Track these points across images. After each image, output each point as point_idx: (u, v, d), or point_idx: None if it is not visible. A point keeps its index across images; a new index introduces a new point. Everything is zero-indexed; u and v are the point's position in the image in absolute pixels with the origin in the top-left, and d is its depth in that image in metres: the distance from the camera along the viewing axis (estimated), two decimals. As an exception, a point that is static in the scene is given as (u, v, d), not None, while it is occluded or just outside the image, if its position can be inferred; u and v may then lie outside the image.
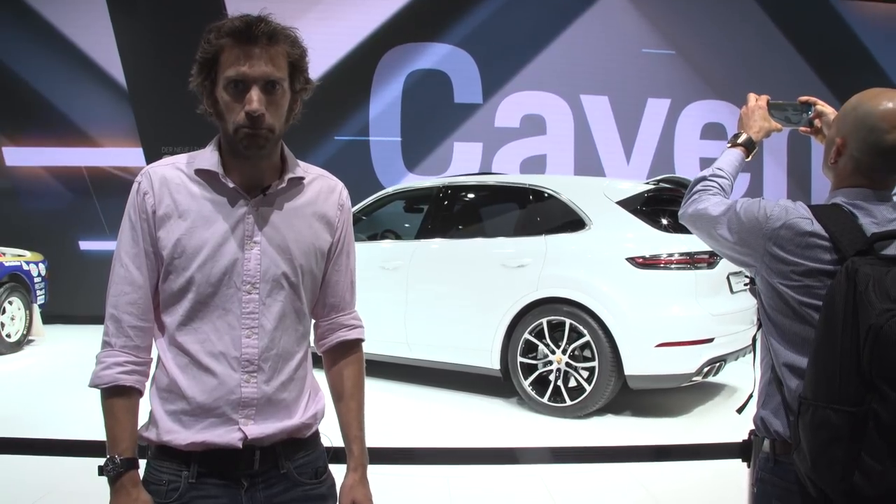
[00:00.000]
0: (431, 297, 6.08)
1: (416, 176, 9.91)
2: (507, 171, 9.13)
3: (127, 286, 1.54)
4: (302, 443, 1.60)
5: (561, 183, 6.04)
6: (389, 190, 7.12)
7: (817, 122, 1.92)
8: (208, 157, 1.54)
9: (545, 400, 5.43)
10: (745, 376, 6.16)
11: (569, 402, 5.35)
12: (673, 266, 5.23)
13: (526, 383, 5.52)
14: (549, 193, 5.85)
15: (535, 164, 10.45)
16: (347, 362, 1.72)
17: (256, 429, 1.51)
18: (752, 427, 1.72)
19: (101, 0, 9.89)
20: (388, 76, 10.40)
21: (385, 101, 10.40)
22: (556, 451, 2.97)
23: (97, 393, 4.25)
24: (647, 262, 5.24)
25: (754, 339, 1.79)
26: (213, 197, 1.53)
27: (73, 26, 10.04)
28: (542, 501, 3.83)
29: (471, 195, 6.61)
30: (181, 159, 1.58)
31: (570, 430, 5.17)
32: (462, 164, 10.19)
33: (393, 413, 5.50)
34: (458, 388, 6.20)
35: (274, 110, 1.47)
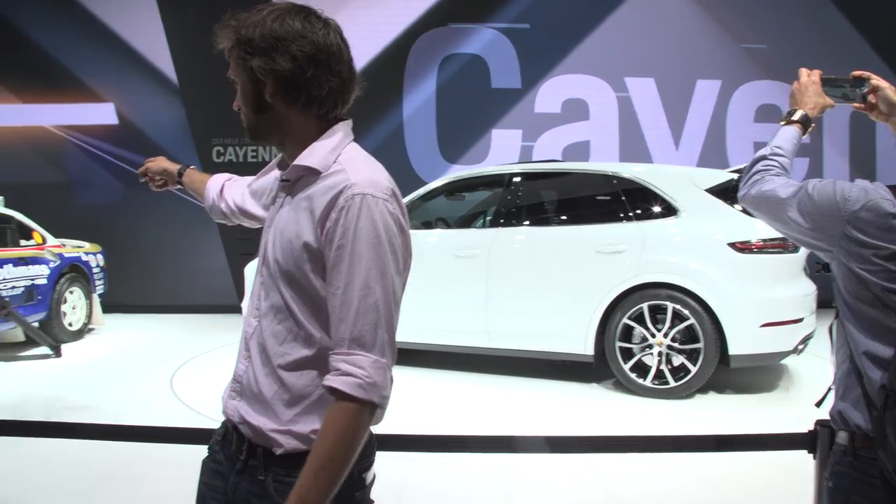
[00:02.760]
0: (517, 285, 6.02)
1: (459, 166, 9.73)
2: (549, 158, 8.99)
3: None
4: (279, 459, 1.43)
5: (648, 171, 6.15)
6: (450, 177, 7.01)
7: (872, 98, 1.81)
8: None
9: (647, 383, 5.56)
10: (805, 363, 6.12)
11: (672, 384, 5.48)
12: (769, 250, 5.47)
13: (626, 367, 5.62)
14: (635, 181, 5.92)
15: (578, 150, 10.13)
16: (327, 412, 1.35)
17: (232, 406, 1.52)
18: (820, 419, 1.66)
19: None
20: (421, 62, 10.16)
21: (419, 89, 10.20)
22: (613, 441, 2.95)
23: (155, 379, 4.40)
24: (748, 247, 5.45)
25: (831, 329, 1.69)
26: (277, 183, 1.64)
27: (124, 24, 10.24)
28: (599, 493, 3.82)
29: (549, 182, 6.63)
30: None
31: (634, 417, 5.21)
32: (501, 152, 9.95)
33: (469, 401, 5.56)
34: (528, 374, 6.21)
35: (239, 101, 1.51)
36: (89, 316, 8.47)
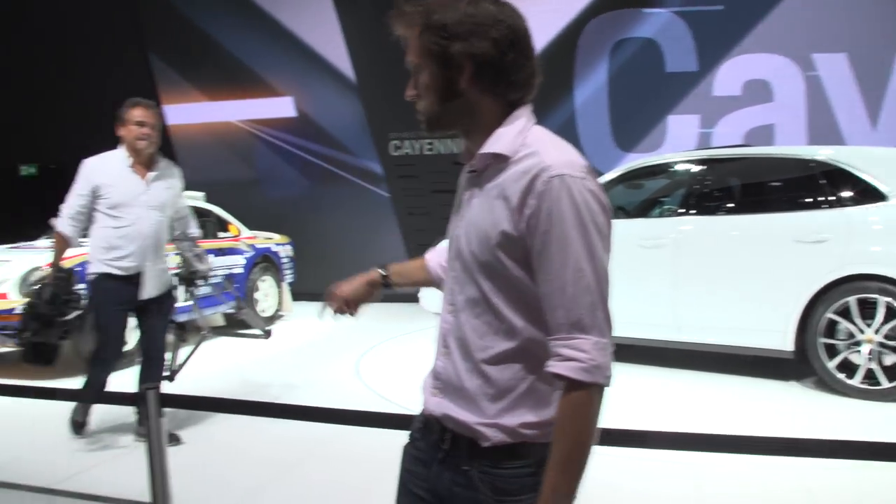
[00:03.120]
0: (708, 276, 5.75)
1: (635, 155, 9.42)
2: (736, 143, 8.57)
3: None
4: (484, 451, 1.43)
5: (849, 153, 5.69)
6: (631, 165, 6.76)
7: None
8: None
9: (855, 382, 5.13)
10: None
11: (887, 385, 5.04)
12: None
13: (831, 365, 5.22)
14: (836, 164, 5.45)
15: (762, 135, 9.43)
16: (559, 402, 1.35)
17: (434, 402, 1.52)
18: None
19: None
20: (592, 49, 9.90)
21: (590, 77, 9.96)
22: (816, 444, 2.69)
23: (341, 364, 4.55)
24: None
25: None
26: (462, 175, 1.59)
27: (301, 25, 10.84)
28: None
29: (739, 168, 6.22)
30: None
31: (838, 419, 4.84)
32: (678, 139, 9.54)
33: (655, 396, 5.42)
34: (719, 370, 5.96)
35: (421, 91, 1.46)
36: (279, 303, 9.08)
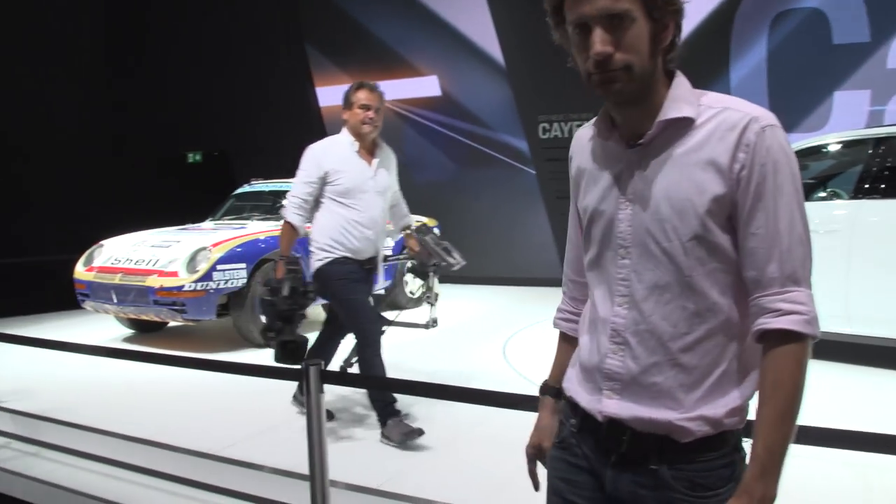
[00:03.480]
0: (888, 265, 5.27)
1: (796, 135, 8.82)
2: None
3: (569, 243, 1.65)
4: (681, 447, 1.34)
5: None
6: (797, 146, 6.18)
7: None
8: (602, 111, 1.44)
9: None
10: None
11: None
12: None
13: None
14: None
15: None
16: (772, 357, 1.28)
17: (615, 406, 1.39)
18: None
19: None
20: (749, 24, 9.27)
21: (748, 53, 9.36)
22: None
23: (489, 346, 4.53)
24: None
25: None
26: (600, 153, 1.45)
27: (450, 9, 10.94)
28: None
29: None
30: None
31: None
32: (844, 117, 8.79)
33: (823, 391, 5.06)
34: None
35: (627, 46, 1.28)
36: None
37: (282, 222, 4.20)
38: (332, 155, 4.14)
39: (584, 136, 1.53)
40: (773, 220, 1.28)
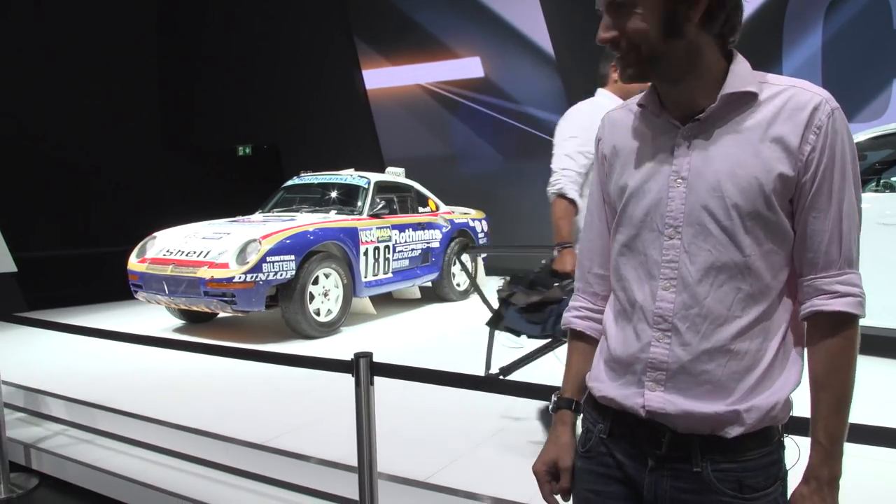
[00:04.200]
0: None
1: (855, 125, 8.54)
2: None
3: (591, 233, 1.55)
4: (727, 445, 1.29)
5: None
6: (870, 132, 6.00)
7: None
8: (648, 90, 1.41)
9: None
10: None
11: None
12: None
13: None
14: None
15: None
16: (826, 341, 1.27)
17: (661, 398, 1.31)
18: None
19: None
20: (803, 11, 9.03)
21: (801, 42, 9.12)
22: None
23: (542, 340, 4.35)
24: None
25: None
26: (646, 131, 1.40)
27: (501, 4, 10.88)
28: None
29: None
30: (636, 98, 1.45)
31: None
32: None
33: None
34: None
35: (631, 30, 1.27)
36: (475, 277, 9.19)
37: (553, 202, 3.41)
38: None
39: (619, 118, 1.49)
40: (838, 203, 1.27)
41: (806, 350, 1.34)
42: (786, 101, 1.28)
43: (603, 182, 1.50)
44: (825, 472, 1.27)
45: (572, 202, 3.31)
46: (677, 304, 1.31)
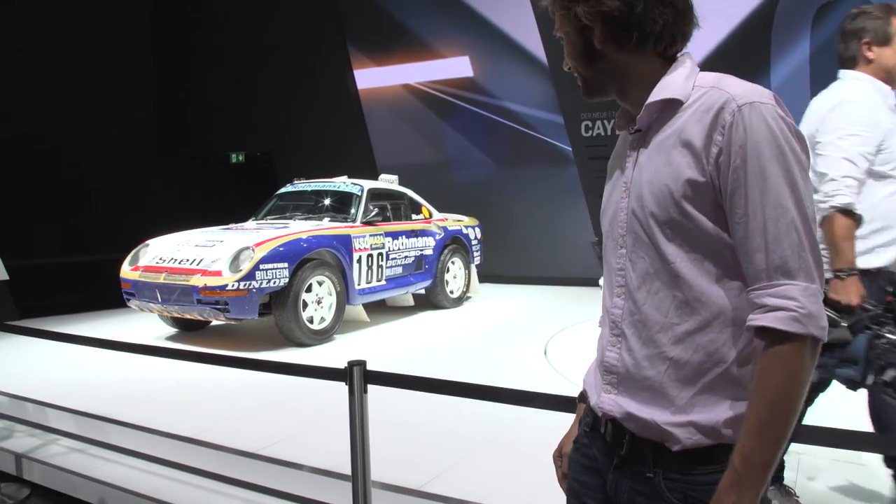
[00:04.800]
0: None
1: None
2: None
3: None
4: (675, 457, 1.28)
5: None
6: None
7: None
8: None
9: None
10: None
11: None
12: None
13: None
14: None
15: None
16: (761, 358, 1.20)
17: (610, 402, 1.36)
18: None
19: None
20: (790, 18, 8.91)
21: (789, 51, 9.01)
22: None
23: (529, 346, 4.41)
24: None
25: None
26: (620, 145, 1.46)
27: (492, 8, 10.95)
28: None
29: None
30: None
31: None
32: None
33: None
34: None
35: (570, 59, 1.41)
36: (467, 285, 9.20)
37: (831, 216, 2.69)
38: (881, 110, 2.82)
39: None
40: (757, 207, 1.18)
41: None
42: (700, 104, 1.26)
43: None
44: (731, 498, 1.17)
45: (855, 217, 2.70)
46: (625, 310, 1.35)
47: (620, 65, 1.35)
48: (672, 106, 1.30)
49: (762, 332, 1.18)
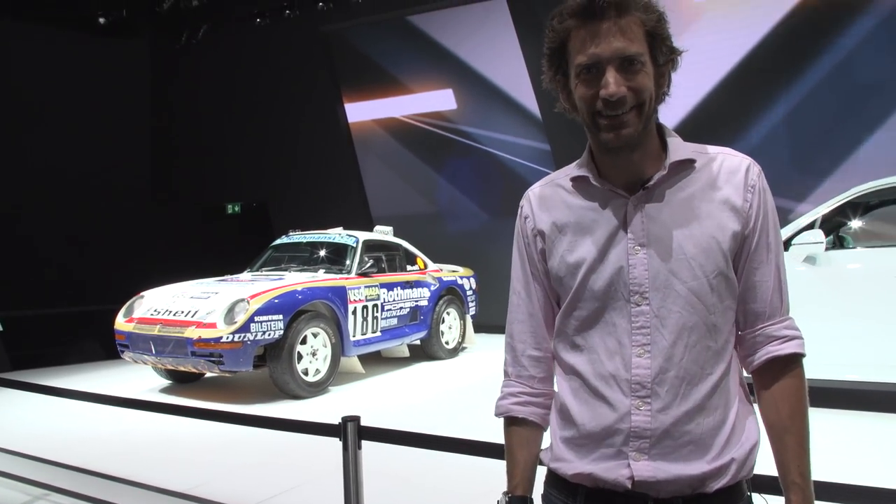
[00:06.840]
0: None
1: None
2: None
3: (520, 314, 1.50)
4: (706, 500, 1.29)
5: None
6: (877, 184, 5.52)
7: None
8: (581, 163, 1.43)
9: None
10: None
11: None
12: None
13: None
14: None
15: None
16: (782, 385, 1.33)
17: (648, 467, 1.29)
18: None
19: (513, 40, 10.73)
20: (766, 84, 8.85)
21: (766, 113, 8.91)
22: None
23: None
24: None
25: None
26: (590, 204, 1.39)
27: (486, 63, 11.17)
28: None
29: None
30: (560, 173, 1.48)
31: None
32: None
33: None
34: None
35: (636, 90, 1.28)
36: (463, 335, 9.18)
37: None
38: None
39: (548, 194, 1.48)
40: (775, 255, 1.37)
41: (758, 399, 1.39)
42: (720, 166, 1.38)
43: (536, 260, 1.47)
44: None
45: None
46: (654, 368, 1.31)
47: (654, 114, 1.37)
48: (685, 166, 1.36)
49: (780, 360, 1.36)
